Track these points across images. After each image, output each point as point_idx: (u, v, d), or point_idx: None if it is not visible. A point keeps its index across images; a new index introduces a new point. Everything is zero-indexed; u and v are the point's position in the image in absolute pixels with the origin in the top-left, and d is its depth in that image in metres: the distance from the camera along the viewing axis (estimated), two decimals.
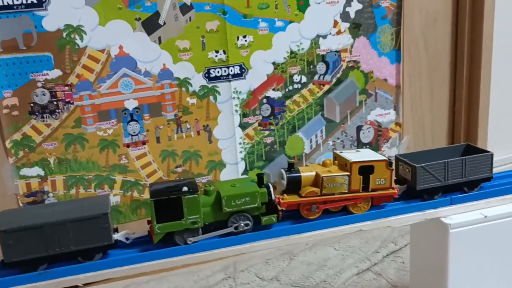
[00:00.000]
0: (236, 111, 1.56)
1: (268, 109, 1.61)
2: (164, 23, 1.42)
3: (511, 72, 1.93)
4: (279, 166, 1.66)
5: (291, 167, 0.98)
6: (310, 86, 1.64)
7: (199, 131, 1.53)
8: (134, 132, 1.46)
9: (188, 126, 1.51)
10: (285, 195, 0.97)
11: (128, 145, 1.46)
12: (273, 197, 0.93)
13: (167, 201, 0.88)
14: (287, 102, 1.63)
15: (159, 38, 1.42)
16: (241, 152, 1.60)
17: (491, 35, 1.79)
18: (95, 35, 1.35)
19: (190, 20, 1.44)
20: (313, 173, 0.97)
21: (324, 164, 1.00)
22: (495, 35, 1.80)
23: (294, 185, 0.97)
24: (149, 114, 1.46)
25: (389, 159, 0.98)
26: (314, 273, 1.44)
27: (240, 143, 1.59)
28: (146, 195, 1.51)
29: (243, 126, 1.58)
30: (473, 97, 1.85)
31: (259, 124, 1.61)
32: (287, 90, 1.61)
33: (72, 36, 1.33)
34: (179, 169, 1.53)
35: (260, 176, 0.94)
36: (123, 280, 1.44)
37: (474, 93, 1.85)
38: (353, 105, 1.73)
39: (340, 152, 1.01)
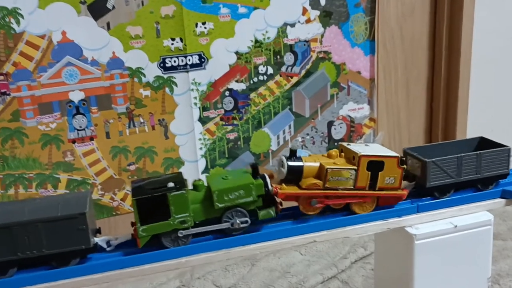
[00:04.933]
0: (195, 104, 1.44)
1: (231, 102, 1.49)
2: (113, 7, 1.29)
3: (491, 67, 1.83)
4: (243, 164, 1.55)
5: (292, 155, 0.86)
6: (277, 78, 1.53)
7: (154, 126, 1.41)
8: (81, 127, 1.33)
9: (142, 120, 1.39)
10: (283, 185, 0.86)
11: (73, 141, 1.33)
12: (270, 187, 0.83)
13: (151, 200, 0.77)
14: (252, 95, 1.51)
15: (108, 24, 1.29)
16: (201, 148, 1.48)
17: (471, 27, 1.69)
18: (34, 19, 1.22)
19: (142, 4, 1.31)
20: (317, 164, 0.86)
21: (329, 155, 0.89)
22: (475, 27, 1.70)
23: (294, 175, 0.86)
24: (97, 106, 1.34)
25: (401, 157, 0.88)
26: (276, 281, 1.34)
27: (200, 139, 1.47)
28: (95, 195, 1.39)
29: (203, 120, 1.46)
30: (452, 92, 1.75)
31: (221, 119, 1.49)
32: (251, 82, 1.50)
33: (7, 20, 1.20)
34: (132, 167, 1.41)
35: (254, 166, 0.84)
36: None
37: (452, 88, 1.75)
38: (324, 99, 1.62)
39: (348, 145, 0.90)
